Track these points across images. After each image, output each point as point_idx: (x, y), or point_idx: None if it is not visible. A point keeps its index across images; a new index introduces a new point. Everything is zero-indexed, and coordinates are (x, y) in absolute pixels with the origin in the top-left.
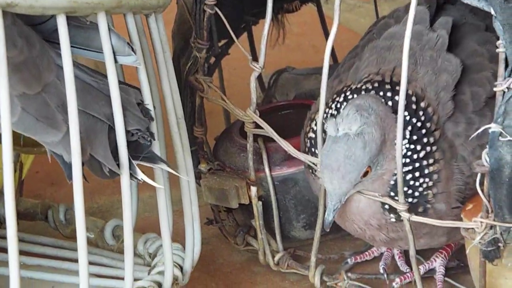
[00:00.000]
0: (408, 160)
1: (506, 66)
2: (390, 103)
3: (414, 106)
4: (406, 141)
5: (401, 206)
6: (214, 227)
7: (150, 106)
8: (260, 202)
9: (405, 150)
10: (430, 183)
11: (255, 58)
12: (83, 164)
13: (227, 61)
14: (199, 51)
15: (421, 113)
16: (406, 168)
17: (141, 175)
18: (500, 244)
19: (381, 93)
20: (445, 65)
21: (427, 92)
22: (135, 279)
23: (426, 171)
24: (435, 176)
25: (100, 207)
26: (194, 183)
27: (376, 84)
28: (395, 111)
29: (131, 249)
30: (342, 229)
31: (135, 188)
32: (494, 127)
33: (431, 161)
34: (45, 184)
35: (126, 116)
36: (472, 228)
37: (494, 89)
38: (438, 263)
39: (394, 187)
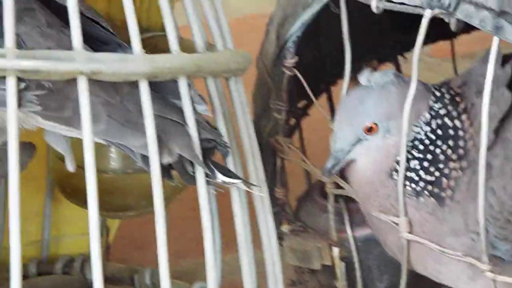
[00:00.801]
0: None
1: None
2: (436, 94)
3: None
4: (428, 128)
5: (484, 266)
6: None
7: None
8: (343, 263)
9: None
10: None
11: None
12: (171, 166)
13: (307, 122)
14: (279, 113)
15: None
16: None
17: (221, 177)
18: None
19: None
20: (497, 97)
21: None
22: None
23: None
24: (454, 173)
25: (185, 270)
26: (276, 244)
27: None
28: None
29: None
30: None
31: (219, 250)
32: None
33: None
34: (131, 249)
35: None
36: None
37: None
38: None
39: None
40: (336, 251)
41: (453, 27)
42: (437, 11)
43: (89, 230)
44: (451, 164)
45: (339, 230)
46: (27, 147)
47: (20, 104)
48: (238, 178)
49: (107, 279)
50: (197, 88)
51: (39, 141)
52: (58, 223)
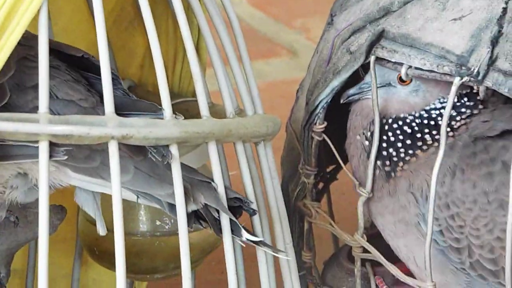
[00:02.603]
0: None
1: None
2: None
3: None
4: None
5: None
6: None
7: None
8: None
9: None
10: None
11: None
12: (200, 215)
13: (336, 186)
14: (307, 177)
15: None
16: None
17: (245, 235)
18: None
19: None
20: None
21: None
22: None
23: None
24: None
25: None
26: None
27: None
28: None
29: None
30: None
31: None
32: None
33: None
34: None
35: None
36: None
37: None
38: None
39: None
40: None
41: (481, 95)
42: (466, 79)
43: None
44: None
45: None
46: (58, 210)
47: (50, 156)
48: (262, 241)
49: None
50: (227, 152)
51: (70, 204)
52: (87, 286)
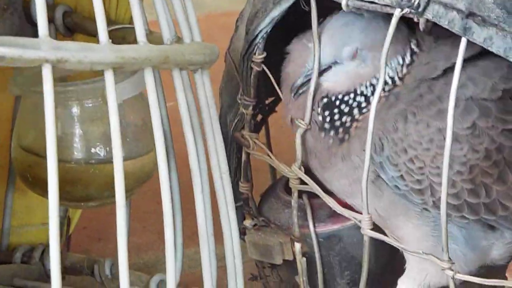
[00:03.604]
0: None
1: None
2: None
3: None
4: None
5: (445, 264)
6: (258, 282)
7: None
8: (304, 259)
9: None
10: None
11: None
12: None
13: (275, 118)
14: (246, 108)
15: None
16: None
17: None
18: None
19: None
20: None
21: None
22: None
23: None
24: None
25: (146, 263)
26: (237, 238)
27: None
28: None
29: None
30: (387, 285)
31: (180, 243)
32: None
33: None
34: (93, 239)
35: None
36: None
37: None
38: None
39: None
40: (298, 246)
41: (422, 27)
42: (406, 10)
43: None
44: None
45: (301, 226)
46: None
47: None
48: None
49: (67, 269)
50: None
51: (2, 130)
52: (19, 213)
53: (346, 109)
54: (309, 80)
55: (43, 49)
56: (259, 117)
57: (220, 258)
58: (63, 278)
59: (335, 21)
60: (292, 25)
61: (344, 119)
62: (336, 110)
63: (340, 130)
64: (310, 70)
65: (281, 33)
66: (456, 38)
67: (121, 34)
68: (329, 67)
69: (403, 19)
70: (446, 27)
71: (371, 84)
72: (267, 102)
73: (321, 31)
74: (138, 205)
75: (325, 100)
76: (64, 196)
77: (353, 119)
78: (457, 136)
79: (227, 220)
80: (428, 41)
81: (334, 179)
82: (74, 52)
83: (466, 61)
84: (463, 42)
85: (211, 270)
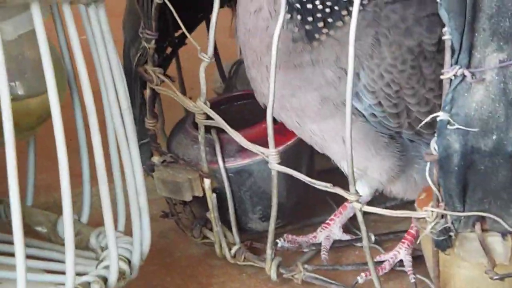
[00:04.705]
0: None
1: (452, 54)
2: None
3: None
4: None
5: (352, 196)
6: (171, 220)
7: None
8: (214, 194)
9: None
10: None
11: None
12: None
13: (187, 51)
14: (148, 42)
15: None
16: None
17: None
18: (451, 234)
19: None
20: None
21: None
22: (84, 274)
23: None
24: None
25: (57, 202)
26: (141, 175)
27: None
28: None
29: (71, 242)
30: (300, 220)
31: (88, 181)
32: (442, 116)
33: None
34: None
35: None
36: (424, 218)
37: (441, 77)
38: (403, 253)
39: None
40: (207, 182)
41: None
42: None
43: None
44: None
45: (210, 162)
46: None
47: None
48: None
49: None
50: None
51: None
52: None
53: (320, 10)
54: None
55: None
56: (169, 50)
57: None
58: None
59: None
60: None
61: (317, 19)
62: (309, 6)
63: (309, 18)
64: None
65: None
66: None
67: None
68: None
69: None
70: None
71: None
72: (176, 34)
73: None
74: (47, 144)
75: None
76: None
77: (326, 24)
78: (426, 54)
79: (128, 155)
80: None
81: (298, 87)
82: None
83: None
84: None
85: (120, 208)
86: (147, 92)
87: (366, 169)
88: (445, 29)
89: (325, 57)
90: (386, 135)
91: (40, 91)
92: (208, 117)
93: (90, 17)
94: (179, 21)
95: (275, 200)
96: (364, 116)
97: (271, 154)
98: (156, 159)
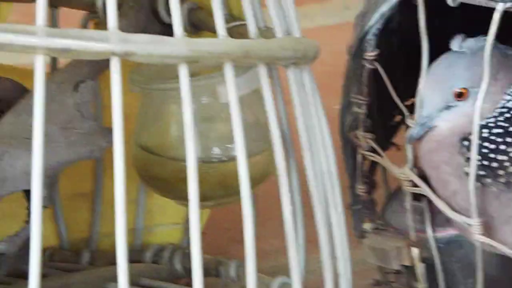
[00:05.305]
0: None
1: None
2: None
3: None
4: None
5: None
6: None
7: None
8: (423, 264)
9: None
10: None
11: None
12: None
13: None
14: (359, 107)
15: None
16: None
17: None
18: None
19: None
20: None
21: None
22: None
23: None
24: None
25: (271, 268)
26: (345, 239)
27: None
28: None
29: None
30: None
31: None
32: None
33: None
34: (233, 241)
35: None
36: None
37: None
38: None
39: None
40: (415, 251)
41: None
42: (509, 4)
43: (180, 220)
44: None
45: (419, 230)
46: (106, 132)
47: None
48: None
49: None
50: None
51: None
52: (151, 212)
53: (493, 146)
54: (424, 127)
55: (111, 41)
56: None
57: (356, 264)
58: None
59: (438, 67)
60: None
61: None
62: (485, 151)
63: (501, 172)
64: (424, 118)
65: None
66: None
67: (241, 31)
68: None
69: None
70: None
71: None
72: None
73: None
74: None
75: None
76: (181, 195)
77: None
78: None
79: (338, 224)
80: None
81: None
82: (143, 44)
83: None
84: None
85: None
86: (358, 158)
87: None
88: None
89: None
90: None
91: (250, 153)
92: (415, 185)
93: (289, 78)
94: (389, 87)
95: (480, 274)
96: None
97: (474, 224)
98: (367, 225)
